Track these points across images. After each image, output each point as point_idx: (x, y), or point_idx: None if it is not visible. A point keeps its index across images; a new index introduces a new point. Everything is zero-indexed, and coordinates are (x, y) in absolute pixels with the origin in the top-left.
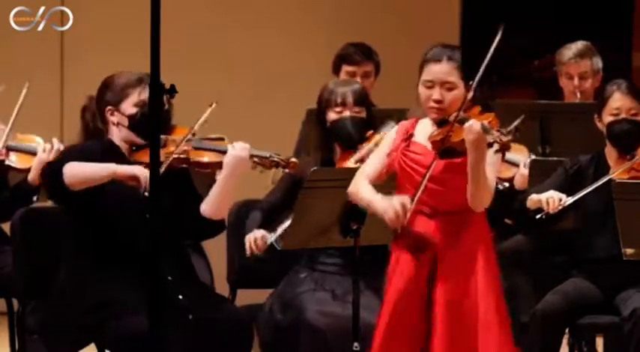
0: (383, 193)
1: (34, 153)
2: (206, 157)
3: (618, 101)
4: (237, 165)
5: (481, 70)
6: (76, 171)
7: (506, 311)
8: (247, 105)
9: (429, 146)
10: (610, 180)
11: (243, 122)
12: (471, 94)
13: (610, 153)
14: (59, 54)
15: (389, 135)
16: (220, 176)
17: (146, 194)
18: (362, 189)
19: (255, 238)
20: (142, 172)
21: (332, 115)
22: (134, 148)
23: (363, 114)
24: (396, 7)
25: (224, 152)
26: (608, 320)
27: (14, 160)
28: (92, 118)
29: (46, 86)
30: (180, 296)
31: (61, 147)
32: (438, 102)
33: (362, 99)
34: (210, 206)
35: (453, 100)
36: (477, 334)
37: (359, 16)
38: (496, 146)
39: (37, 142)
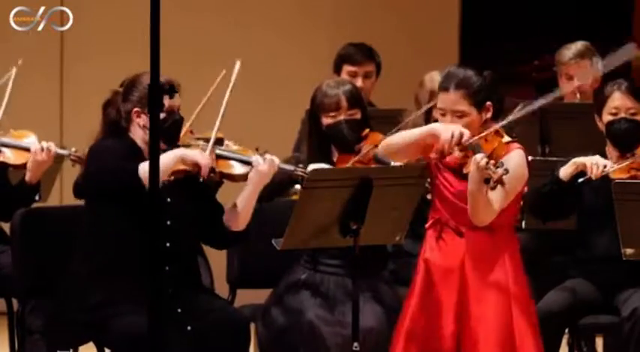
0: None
1: (26, 149)
2: (232, 168)
3: (617, 100)
4: (262, 181)
5: (510, 119)
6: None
7: (538, 326)
8: (247, 105)
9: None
10: (609, 178)
11: (244, 122)
12: (488, 115)
13: (611, 152)
14: (59, 54)
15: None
16: (245, 190)
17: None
18: (404, 133)
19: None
20: (205, 161)
21: (327, 120)
22: None
23: (358, 116)
24: (396, 7)
25: (244, 161)
26: (608, 320)
27: (9, 156)
28: (116, 114)
29: (45, 86)
30: (179, 310)
31: (52, 147)
32: None
33: (355, 100)
34: (234, 217)
35: (466, 127)
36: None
37: (359, 16)
38: (491, 183)
39: (30, 138)
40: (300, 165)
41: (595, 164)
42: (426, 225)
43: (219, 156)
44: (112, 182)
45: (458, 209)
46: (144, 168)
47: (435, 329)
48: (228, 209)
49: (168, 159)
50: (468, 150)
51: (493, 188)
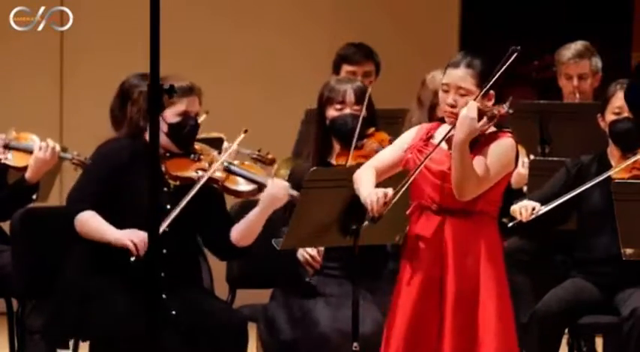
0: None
1: (30, 151)
2: (238, 185)
3: (620, 100)
4: (273, 205)
5: (487, 85)
6: (85, 229)
7: (513, 328)
8: (247, 105)
9: (446, 147)
10: (610, 178)
11: (243, 122)
12: (489, 103)
13: (612, 152)
14: (59, 54)
15: (408, 132)
16: (255, 211)
17: (132, 259)
18: (362, 174)
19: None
20: (136, 239)
21: (332, 112)
22: (168, 154)
23: (364, 112)
24: (396, 7)
25: (257, 182)
26: (607, 320)
27: (11, 158)
28: (138, 113)
29: (46, 86)
30: (174, 312)
31: (57, 147)
32: (451, 106)
33: (363, 97)
34: (241, 235)
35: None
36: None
37: (359, 16)
38: (496, 119)
39: (33, 140)
40: None
41: (524, 207)
42: (408, 211)
43: (231, 172)
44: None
45: (439, 189)
46: (83, 218)
47: (421, 317)
48: (236, 225)
49: (98, 235)
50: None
51: (492, 121)
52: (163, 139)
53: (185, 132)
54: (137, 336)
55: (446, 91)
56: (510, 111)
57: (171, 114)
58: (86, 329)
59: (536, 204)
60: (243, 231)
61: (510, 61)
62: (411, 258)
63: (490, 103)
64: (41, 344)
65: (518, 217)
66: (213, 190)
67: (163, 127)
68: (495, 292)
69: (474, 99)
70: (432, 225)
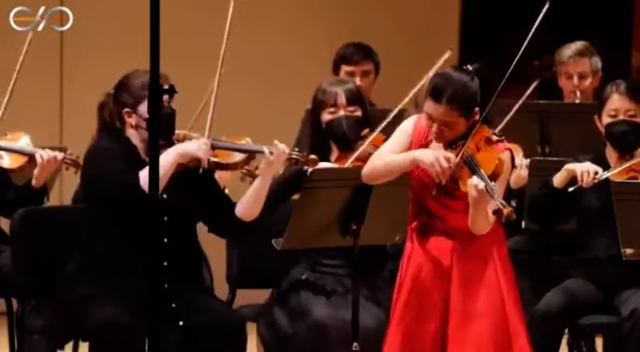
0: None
1: (23, 153)
2: (229, 158)
3: (616, 102)
4: (272, 170)
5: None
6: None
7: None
8: (247, 105)
9: None
10: (607, 179)
11: (243, 122)
12: (475, 118)
13: (610, 153)
14: (59, 54)
15: (406, 125)
16: (257, 182)
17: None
18: (390, 157)
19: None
20: (202, 153)
21: (326, 116)
22: None
23: (358, 113)
24: (396, 7)
25: (250, 151)
26: (607, 320)
27: (6, 161)
28: (110, 116)
29: (45, 86)
30: (174, 305)
31: (59, 156)
32: (437, 134)
33: (355, 98)
34: (246, 209)
35: (453, 134)
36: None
37: (359, 16)
38: (502, 218)
39: (24, 140)
40: (296, 149)
41: (586, 172)
42: (412, 225)
43: (219, 149)
44: (117, 197)
45: (443, 210)
46: (145, 178)
47: (420, 327)
48: (240, 201)
49: (167, 159)
50: (464, 162)
51: (496, 214)
52: (143, 134)
53: (164, 124)
54: (137, 336)
55: (430, 119)
56: (512, 209)
57: (145, 109)
58: (86, 328)
59: (599, 169)
60: (248, 204)
61: (542, 14)
62: (415, 271)
63: (476, 118)
64: (41, 344)
65: (580, 181)
66: (203, 174)
67: (141, 123)
68: (517, 298)
69: (471, 126)
70: (439, 240)
